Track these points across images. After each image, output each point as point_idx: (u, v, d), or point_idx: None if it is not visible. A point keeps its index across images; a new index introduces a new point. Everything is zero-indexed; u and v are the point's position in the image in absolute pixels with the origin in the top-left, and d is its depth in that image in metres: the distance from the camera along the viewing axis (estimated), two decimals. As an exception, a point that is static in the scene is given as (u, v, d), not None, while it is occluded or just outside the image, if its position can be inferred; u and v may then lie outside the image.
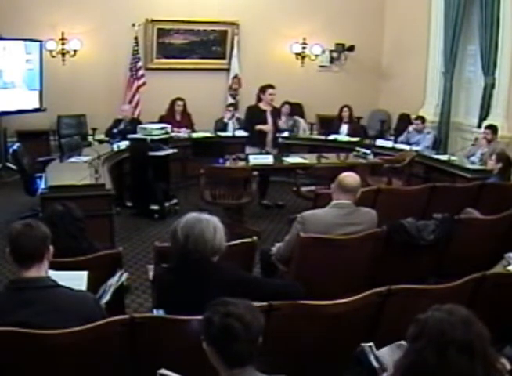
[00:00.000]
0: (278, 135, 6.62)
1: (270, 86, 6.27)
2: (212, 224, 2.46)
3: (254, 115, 6.28)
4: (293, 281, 3.15)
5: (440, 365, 1.41)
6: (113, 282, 2.65)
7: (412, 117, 8.05)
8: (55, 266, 2.31)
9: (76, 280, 2.50)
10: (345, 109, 7.93)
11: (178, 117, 7.83)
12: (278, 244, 3.63)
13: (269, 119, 6.27)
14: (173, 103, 7.85)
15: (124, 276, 2.77)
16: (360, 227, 3.40)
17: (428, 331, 1.46)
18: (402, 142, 7.36)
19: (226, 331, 1.68)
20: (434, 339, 1.43)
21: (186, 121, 7.86)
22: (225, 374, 1.73)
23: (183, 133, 7.46)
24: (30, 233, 2.14)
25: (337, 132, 7.84)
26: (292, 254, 3.36)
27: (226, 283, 2.38)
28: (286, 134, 7.58)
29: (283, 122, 8.00)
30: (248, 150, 6.28)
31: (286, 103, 8.14)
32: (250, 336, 1.68)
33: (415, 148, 6.93)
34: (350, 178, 3.46)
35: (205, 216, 2.50)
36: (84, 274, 2.59)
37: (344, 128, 7.90)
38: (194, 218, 2.47)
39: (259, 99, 6.35)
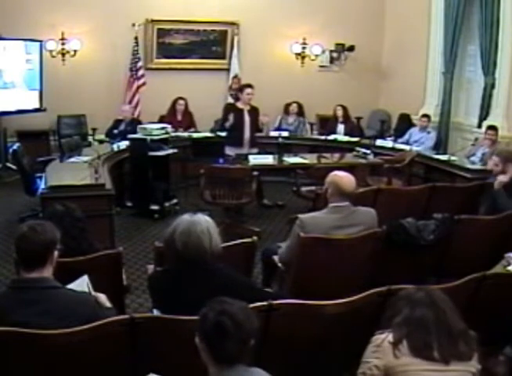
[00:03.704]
0: (257, 134, 6.51)
1: (248, 86, 6.28)
2: (206, 229, 2.45)
3: (230, 113, 6.21)
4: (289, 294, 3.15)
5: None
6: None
7: (413, 117, 8.07)
8: (55, 267, 2.30)
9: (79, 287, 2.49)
10: (339, 108, 7.93)
11: (179, 117, 7.84)
12: (282, 245, 3.61)
13: (247, 118, 6.23)
14: (174, 102, 7.87)
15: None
16: (360, 227, 3.38)
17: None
18: (402, 143, 7.36)
19: (218, 328, 1.72)
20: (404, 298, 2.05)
21: (187, 121, 7.87)
22: (213, 370, 1.76)
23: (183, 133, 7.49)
24: (33, 237, 2.13)
25: (334, 132, 7.85)
26: (293, 257, 3.35)
27: (223, 285, 2.38)
28: (285, 133, 7.58)
29: (289, 122, 8.10)
30: (228, 150, 6.19)
31: (295, 102, 8.19)
32: (240, 335, 1.72)
33: (415, 148, 6.93)
34: (347, 182, 3.37)
35: (197, 220, 2.47)
36: (85, 279, 2.55)
37: (341, 127, 7.90)
38: (188, 227, 2.44)
39: (237, 99, 6.39)
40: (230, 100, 8.56)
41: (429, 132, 7.48)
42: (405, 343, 1.93)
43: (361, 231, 3.36)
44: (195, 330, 1.79)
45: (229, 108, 6.35)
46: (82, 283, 2.49)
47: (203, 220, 2.49)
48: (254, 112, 6.29)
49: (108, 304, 2.45)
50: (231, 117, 6.13)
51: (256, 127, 6.35)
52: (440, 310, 1.97)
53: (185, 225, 2.46)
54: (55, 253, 2.20)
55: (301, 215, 3.41)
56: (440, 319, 1.95)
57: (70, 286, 2.40)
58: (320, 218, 3.39)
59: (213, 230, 2.47)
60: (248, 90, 6.21)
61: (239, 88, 6.45)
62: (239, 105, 6.29)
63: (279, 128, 7.99)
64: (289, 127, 8.12)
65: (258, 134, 6.57)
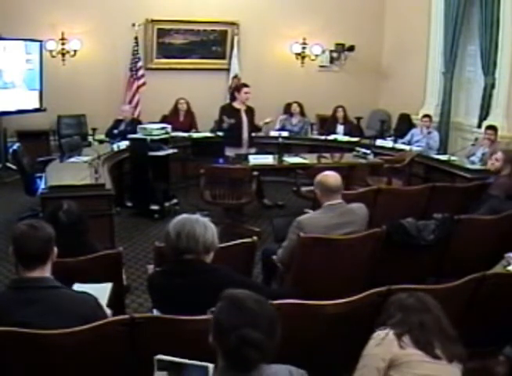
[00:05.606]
0: (254, 134, 6.49)
1: (245, 85, 6.29)
2: (202, 222, 2.47)
3: (227, 114, 6.17)
4: (291, 288, 3.15)
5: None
6: None
7: (413, 117, 8.05)
8: (56, 267, 2.30)
9: (99, 291, 2.47)
10: (340, 109, 7.91)
11: (181, 118, 7.85)
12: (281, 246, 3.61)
13: (244, 118, 6.23)
14: (176, 103, 7.88)
15: None
16: (357, 223, 3.42)
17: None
18: (403, 143, 7.35)
19: (242, 344, 1.61)
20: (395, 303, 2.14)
21: (189, 121, 7.86)
22: (228, 375, 1.68)
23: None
24: (34, 235, 2.13)
25: (333, 133, 7.83)
26: (291, 258, 3.35)
27: (222, 285, 2.37)
28: (285, 133, 7.57)
29: (293, 123, 8.08)
30: (227, 151, 6.14)
31: (295, 102, 8.17)
32: (266, 348, 1.65)
33: (416, 148, 6.92)
34: (331, 178, 3.44)
35: (195, 215, 2.51)
36: (108, 286, 2.55)
37: (340, 128, 7.89)
38: (184, 218, 2.48)
39: (233, 98, 6.37)
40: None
41: (430, 132, 7.47)
42: (408, 337, 1.98)
43: (358, 228, 3.38)
44: (210, 333, 1.68)
45: (226, 109, 6.32)
46: (104, 290, 2.49)
47: (200, 217, 2.52)
48: (250, 112, 6.29)
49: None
50: (226, 119, 6.06)
51: (253, 127, 6.35)
52: (434, 315, 2.03)
53: (181, 218, 2.49)
54: (55, 249, 2.20)
55: (298, 217, 3.42)
56: (436, 323, 2.01)
57: (92, 286, 2.41)
58: (317, 218, 3.40)
59: (209, 226, 2.47)
60: (246, 89, 6.21)
61: (235, 88, 6.44)
62: (236, 105, 6.28)
63: (282, 129, 7.96)
64: (293, 128, 8.07)
65: (259, 134, 6.56)
